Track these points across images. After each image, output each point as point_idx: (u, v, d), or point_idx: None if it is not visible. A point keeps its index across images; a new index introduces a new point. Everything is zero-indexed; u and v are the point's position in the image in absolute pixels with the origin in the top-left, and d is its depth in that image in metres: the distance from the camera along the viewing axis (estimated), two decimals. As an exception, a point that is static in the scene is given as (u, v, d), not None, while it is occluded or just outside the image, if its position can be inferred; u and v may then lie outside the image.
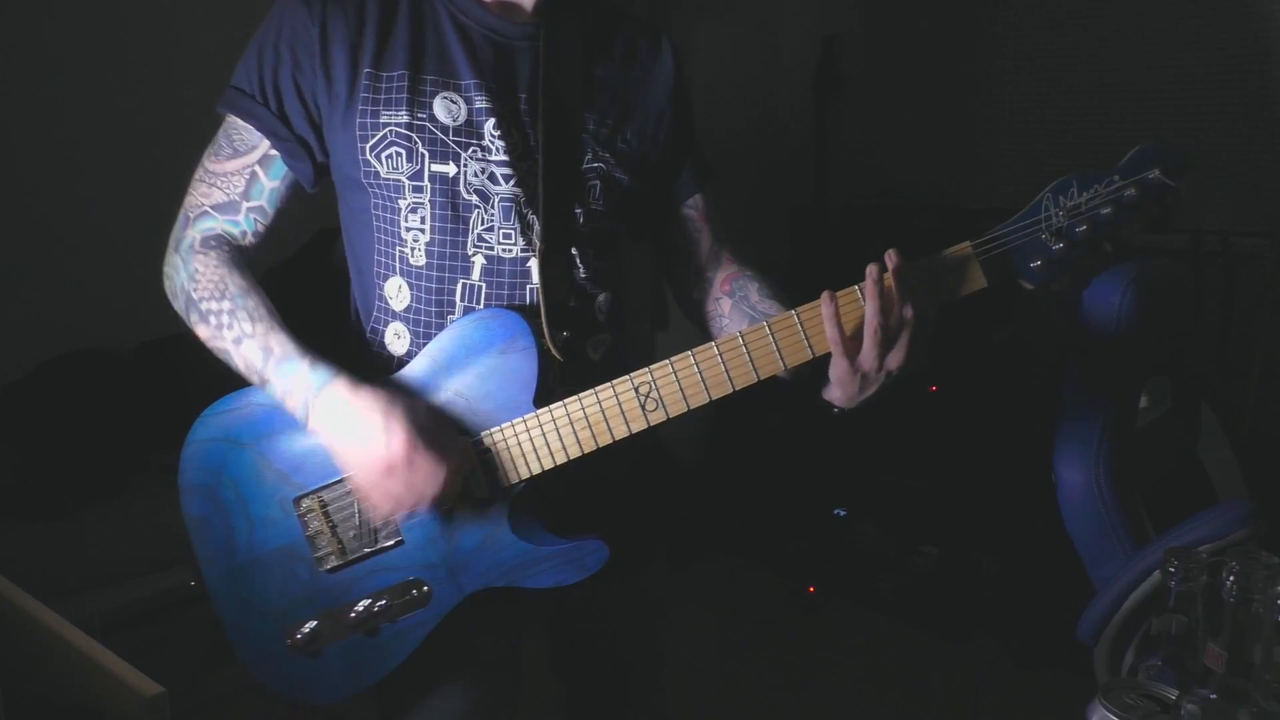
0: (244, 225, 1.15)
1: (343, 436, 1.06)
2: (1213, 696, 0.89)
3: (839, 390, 1.07)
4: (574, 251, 1.15)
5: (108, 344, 2.99)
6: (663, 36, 1.27)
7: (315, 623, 1.13)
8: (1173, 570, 0.96)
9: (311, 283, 1.32)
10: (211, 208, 1.15)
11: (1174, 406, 1.74)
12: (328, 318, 1.25)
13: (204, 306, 1.12)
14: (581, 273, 1.16)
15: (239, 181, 1.14)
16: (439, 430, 1.06)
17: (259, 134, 1.12)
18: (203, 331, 1.13)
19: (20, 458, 2.63)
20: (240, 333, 1.09)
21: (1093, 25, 3.46)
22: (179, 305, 1.16)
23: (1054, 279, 1.04)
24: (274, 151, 1.13)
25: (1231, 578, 0.87)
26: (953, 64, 3.77)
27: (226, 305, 1.11)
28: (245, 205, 1.14)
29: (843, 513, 3.34)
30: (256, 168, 1.13)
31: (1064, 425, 1.56)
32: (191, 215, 1.16)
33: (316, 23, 1.09)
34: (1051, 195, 1.03)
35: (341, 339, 1.23)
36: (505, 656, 1.25)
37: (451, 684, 1.19)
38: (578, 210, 1.14)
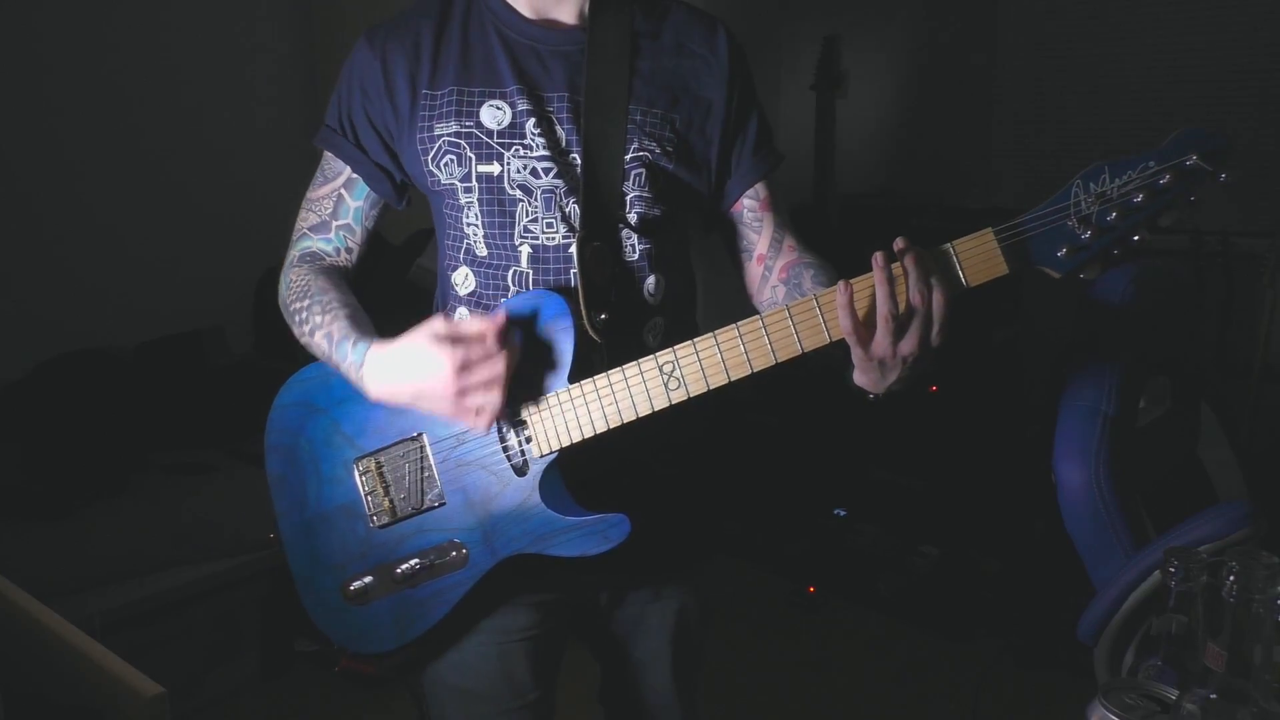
0: (335, 242, 1.30)
1: (402, 387, 1.13)
2: (1213, 696, 0.89)
3: (863, 376, 1.09)
4: (618, 237, 1.20)
5: (108, 344, 2.99)
6: (718, 26, 1.29)
7: (370, 577, 1.23)
8: (1173, 570, 0.96)
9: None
10: (308, 229, 1.31)
11: (1174, 406, 1.74)
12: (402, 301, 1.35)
13: (292, 308, 1.25)
14: (627, 257, 1.21)
15: (329, 204, 1.30)
16: (466, 326, 1.10)
17: (341, 162, 1.28)
18: (295, 331, 1.25)
19: (21, 457, 2.63)
20: (314, 324, 1.22)
21: (1092, 25, 3.46)
22: (284, 315, 1.28)
23: (1082, 267, 1.02)
24: (355, 175, 1.28)
25: (1231, 578, 0.87)
26: (953, 63, 3.77)
27: (306, 302, 1.24)
28: (334, 224, 1.30)
29: (843, 513, 3.34)
30: (342, 190, 1.29)
31: (1064, 425, 1.56)
32: (295, 238, 1.32)
33: (378, 56, 1.22)
34: (1081, 181, 1.00)
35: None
36: (544, 632, 1.30)
37: (487, 646, 1.27)
38: (619, 198, 1.20)
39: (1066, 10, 3.51)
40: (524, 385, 1.16)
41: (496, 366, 1.09)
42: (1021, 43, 3.64)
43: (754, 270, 1.31)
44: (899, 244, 1.01)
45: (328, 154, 1.29)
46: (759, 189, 1.30)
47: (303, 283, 1.25)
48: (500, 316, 1.11)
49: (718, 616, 1.48)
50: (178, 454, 2.92)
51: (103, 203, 3.09)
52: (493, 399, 1.10)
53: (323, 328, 1.21)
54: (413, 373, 1.11)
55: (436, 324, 1.10)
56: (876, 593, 3.12)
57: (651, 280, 1.24)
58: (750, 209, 1.30)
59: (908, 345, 1.03)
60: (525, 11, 1.22)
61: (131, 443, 2.85)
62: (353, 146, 1.26)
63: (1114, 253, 1.01)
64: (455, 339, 1.09)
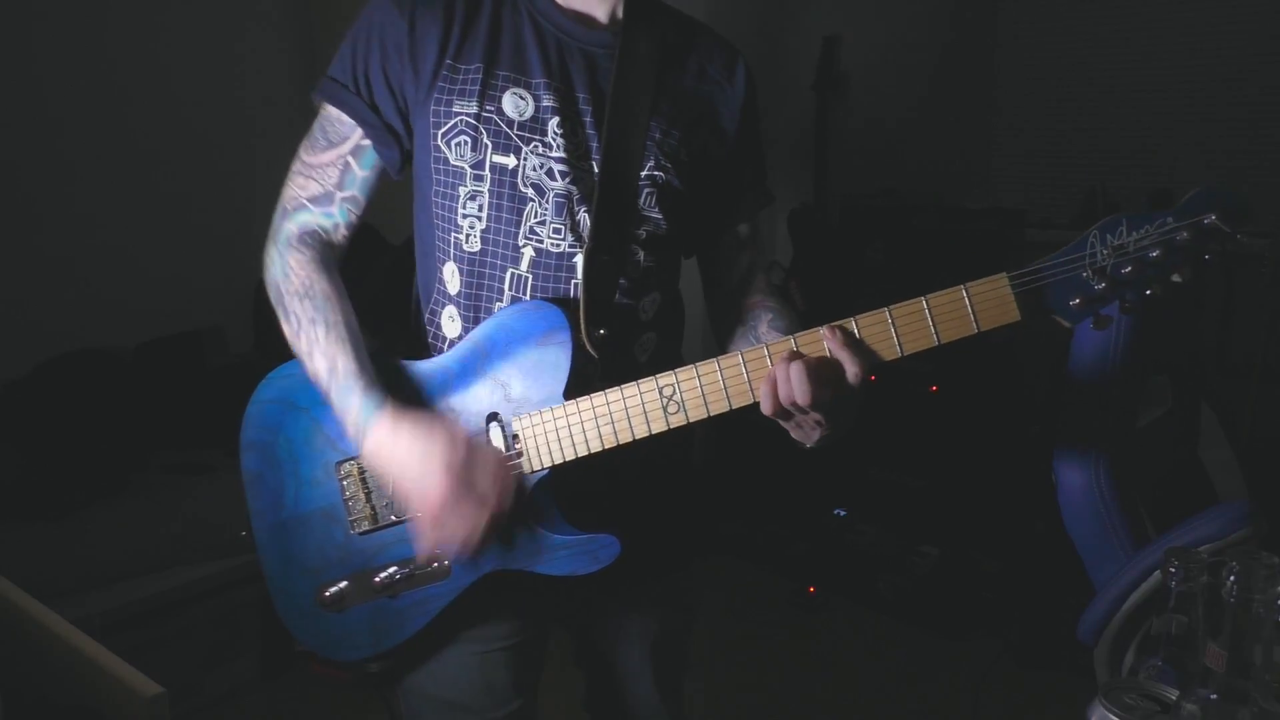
0: (337, 217, 1.20)
1: (394, 476, 1.11)
2: (1213, 697, 0.89)
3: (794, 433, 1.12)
4: (623, 252, 1.18)
5: (108, 344, 2.99)
6: (739, 58, 1.28)
7: (346, 583, 1.18)
8: (1173, 570, 0.96)
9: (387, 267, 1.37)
10: (308, 200, 1.19)
11: (1174, 406, 1.74)
12: (396, 299, 1.32)
13: (289, 305, 1.16)
14: (629, 273, 1.19)
15: (333, 172, 1.19)
16: (478, 462, 1.09)
17: (352, 122, 1.17)
18: (285, 330, 1.17)
19: (21, 457, 2.63)
20: (313, 339, 1.14)
21: (1093, 25, 3.46)
22: (271, 297, 1.19)
23: (1093, 318, 1.02)
24: (365, 141, 1.18)
25: (1232, 578, 0.87)
26: (953, 64, 3.77)
27: (309, 311, 1.15)
28: (339, 195, 1.19)
29: (843, 513, 3.34)
30: (349, 158, 1.19)
31: (1064, 425, 1.56)
32: (289, 208, 1.20)
33: (405, 19, 1.14)
34: (1099, 233, 1.00)
35: (404, 320, 1.30)
36: (525, 640, 1.28)
37: (466, 659, 1.24)
38: (631, 213, 1.18)
39: (1066, 11, 3.51)
40: (519, 398, 1.14)
41: (480, 517, 1.07)
42: (1021, 42, 3.64)
43: (720, 303, 1.31)
44: (789, 352, 1.04)
45: (331, 112, 1.18)
46: (742, 228, 1.30)
47: (304, 277, 1.16)
48: (512, 480, 1.10)
49: (719, 616, 1.48)
50: (178, 454, 2.92)
51: (102, 203, 3.09)
52: (455, 539, 1.08)
53: (325, 353, 1.13)
54: (406, 475, 1.08)
55: (460, 451, 1.07)
56: (876, 593, 3.12)
57: (649, 298, 1.23)
58: (730, 245, 1.30)
59: (814, 418, 1.05)
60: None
61: (131, 443, 2.84)
62: (366, 106, 1.17)
63: (1125, 305, 1.01)
64: (463, 475, 1.06)
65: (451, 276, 1.19)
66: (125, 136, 3.13)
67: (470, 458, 1.08)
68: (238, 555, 2.55)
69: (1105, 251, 1.00)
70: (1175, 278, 1.00)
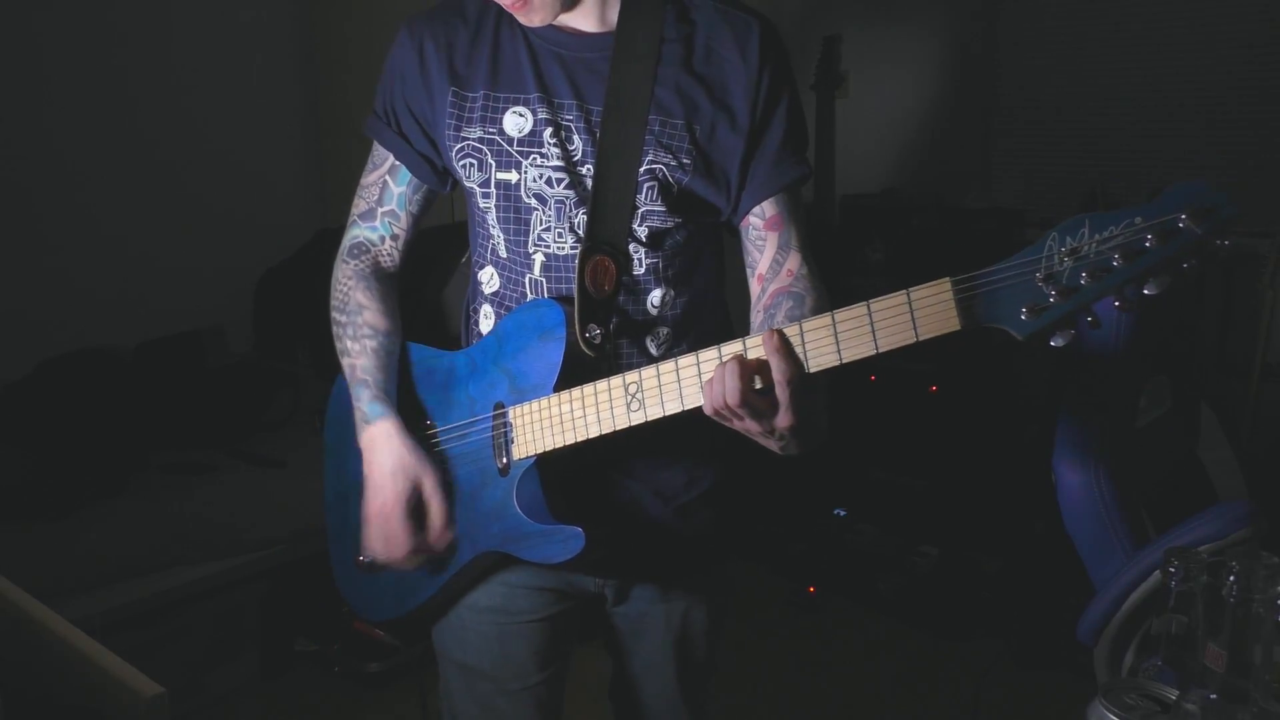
0: (380, 230, 1.35)
1: (366, 471, 1.25)
2: (1213, 696, 0.89)
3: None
4: (625, 250, 1.21)
5: (108, 344, 3.00)
6: (753, 27, 1.22)
7: None
8: (1173, 570, 0.97)
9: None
10: (358, 216, 1.36)
11: (1174, 406, 1.74)
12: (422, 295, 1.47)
13: (333, 314, 1.33)
14: (635, 270, 1.22)
15: (375, 191, 1.34)
16: (423, 511, 1.23)
17: (385, 150, 1.32)
18: (333, 332, 1.33)
19: (21, 458, 2.63)
20: (344, 347, 1.30)
21: (1094, 24, 3.46)
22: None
23: (1047, 331, 0.89)
24: (399, 162, 1.31)
25: (1232, 578, 0.87)
26: (953, 63, 3.78)
27: (344, 319, 1.31)
28: (380, 210, 1.34)
29: (843, 513, 3.34)
30: (386, 177, 1.33)
31: (1064, 425, 1.56)
32: (348, 224, 1.37)
33: (415, 47, 1.25)
34: (1058, 234, 0.87)
35: (456, 317, 1.44)
36: (547, 618, 1.33)
37: (487, 629, 1.32)
38: (629, 211, 1.19)
39: (1066, 11, 3.52)
40: (521, 388, 1.20)
41: (394, 546, 1.22)
42: (1022, 42, 3.64)
43: (753, 288, 1.28)
44: (734, 355, 1.02)
45: (374, 142, 1.33)
46: (766, 206, 1.23)
47: (345, 288, 1.32)
48: (448, 537, 1.24)
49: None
50: (178, 454, 2.92)
51: (103, 203, 3.10)
52: (371, 543, 1.24)
53: (350, 355, 1.29)
54: (372, 476, 1.23)
55: (427, 482, 1.22)
56: (876, 593, 3.12)
57: (657, 294, 1.24)
58: (755, 226, 1.24)
59: (781, 420, 1.01)
60: None
61: (131, 443, 2.85)
62: (395, 134, 1.29)
63: (1087, 319, 0.88)
64: (416, 507, 1.22)
65: (489, 279, 1.28)
66: (127, 138, 3.13)
67: (418, 504, 1.22)
68: (238, 555, 2.55)
69: (1062, 255, 0.86)
70: (1147, 289, 0.84)
